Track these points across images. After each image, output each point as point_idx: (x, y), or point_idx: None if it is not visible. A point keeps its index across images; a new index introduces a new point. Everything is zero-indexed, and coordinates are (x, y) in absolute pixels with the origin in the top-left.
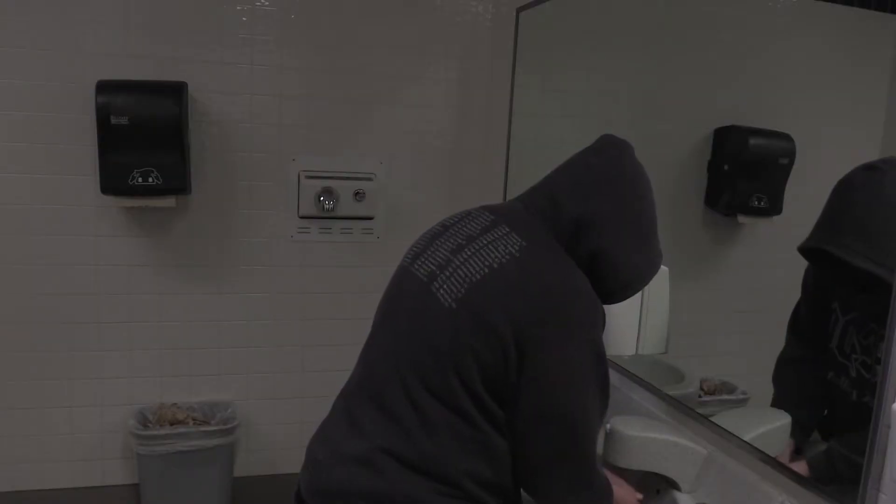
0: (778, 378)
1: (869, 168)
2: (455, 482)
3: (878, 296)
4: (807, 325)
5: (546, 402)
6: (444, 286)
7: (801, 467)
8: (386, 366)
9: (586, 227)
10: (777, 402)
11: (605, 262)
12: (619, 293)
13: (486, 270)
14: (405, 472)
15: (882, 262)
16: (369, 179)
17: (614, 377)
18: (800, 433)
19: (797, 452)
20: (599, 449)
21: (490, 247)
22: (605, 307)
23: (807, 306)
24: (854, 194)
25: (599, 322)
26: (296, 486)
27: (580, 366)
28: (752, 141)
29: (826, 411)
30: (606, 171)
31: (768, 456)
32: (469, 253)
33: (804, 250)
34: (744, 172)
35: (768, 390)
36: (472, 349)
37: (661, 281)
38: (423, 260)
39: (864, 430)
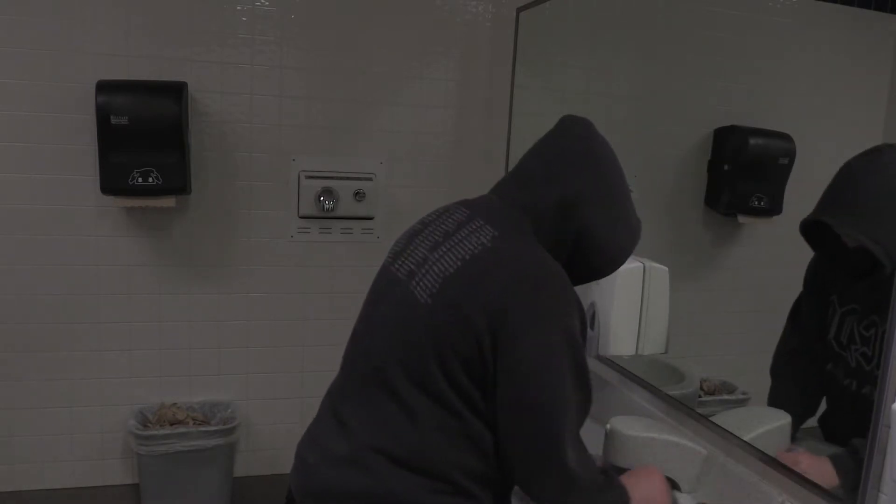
0: (776, 369)
1: (874, 151)
2: (446, 477)
3: (875, 284)
4: (807, 316)
5: (517, 392)
6: (421, 283)
7: (826, 468)
8: (370, 365)
9: (568, 209)
10: (774, 393)
11: (589, 239)
12: (605, 268)
13: (459, 263)
14: (396, 470)
15: (877, 239)
16: (369, 179)
17: (614, 377)
18: (796, 421)
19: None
20: (599, 449)
21: (465, 241)
22: (606, 307)
23: (807, 298)
24: (855, 174)
25: (573, 310)
26: (287, 489)
27: (552, 354)
28: (752, 141)
29: (826, 403)
30: (575, 150)
31: (768, 456)
32: (445, 249)
33: (805, 227)
34: (744, 172)
35: (768, 390)
36: (450, 342)
37: (661, 281)
38: (402, 259)
39: (864, 422)
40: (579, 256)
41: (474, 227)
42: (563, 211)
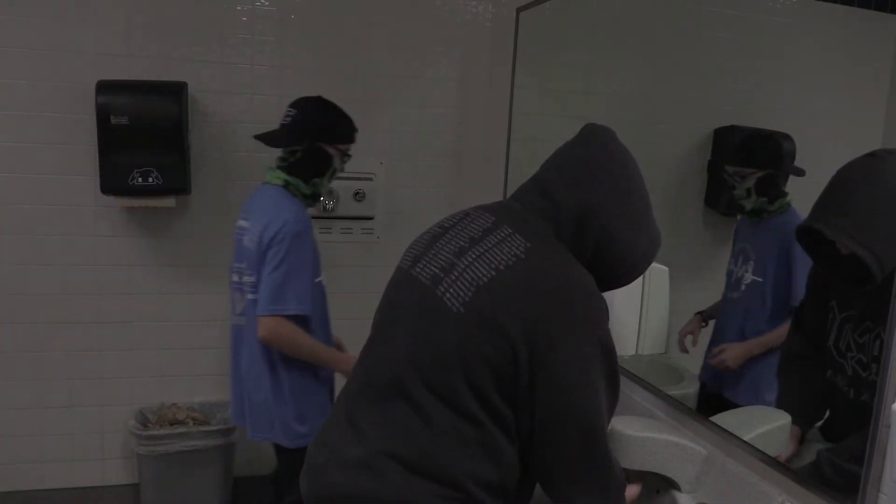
0: (781, 373)
1: (869, 156)
2: (458, 485)
3: (872, 291)
4: (808, 322)
5: (561, 403)
6: (451, 290)
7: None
8: (389, 370)
9: (587, 218)
10: (781, 396)
11: (610, 247)
12: (626, 275)
13: (493, 273)
14: (407, 476)
15: (869, 245)
16: (369, 179)
17: None
18: (803, 424)
19: (801, 443)
20: None
21: (495, 249)
22: (607, 308)
23: (809, 304)
24: (850, 178)
25: (605, 317)
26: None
27: (591, 363)
28: None
29: (828, 409)
30: (596, 160)
31: (768, 456)
32: (473, 256)
33: (799, 233)
34: None
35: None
36: (483, 353)
37: (661, 281)
38: (424, 263)
39: (861, 430)
40: (600, 264)
41: (503, 234)
42: (583, 219)
